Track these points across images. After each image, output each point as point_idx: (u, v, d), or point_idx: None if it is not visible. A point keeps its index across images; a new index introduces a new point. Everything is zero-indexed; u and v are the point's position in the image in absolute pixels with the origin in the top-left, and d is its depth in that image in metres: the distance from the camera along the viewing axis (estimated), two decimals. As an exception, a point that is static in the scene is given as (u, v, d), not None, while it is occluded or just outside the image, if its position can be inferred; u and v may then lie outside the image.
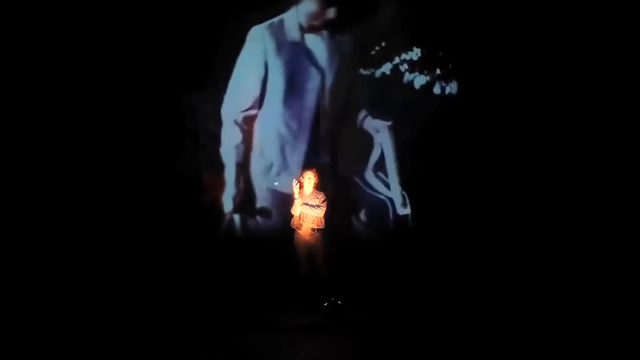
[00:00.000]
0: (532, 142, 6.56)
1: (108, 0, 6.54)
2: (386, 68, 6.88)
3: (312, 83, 6.84)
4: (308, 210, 5.77)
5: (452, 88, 6.85)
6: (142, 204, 6.53)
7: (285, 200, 6.21)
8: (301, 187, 5.78)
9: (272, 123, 6.90)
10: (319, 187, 5.86)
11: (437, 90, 6.86)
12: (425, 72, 6.85)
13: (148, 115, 6.63)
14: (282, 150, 6.88)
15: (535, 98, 6.53)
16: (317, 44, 6.85)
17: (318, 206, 5.77)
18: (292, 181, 5.80)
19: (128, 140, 6.60)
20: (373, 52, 6.88)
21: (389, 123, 6.88)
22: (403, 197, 6.87)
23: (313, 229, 5.80)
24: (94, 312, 5.48)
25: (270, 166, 6.89)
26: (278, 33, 6.84)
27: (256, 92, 6.86)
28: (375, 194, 6.91)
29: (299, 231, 5.82)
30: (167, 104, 6.71)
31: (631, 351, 4.65)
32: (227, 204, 6.84)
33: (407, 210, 6.85)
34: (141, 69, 6.56)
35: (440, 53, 6.83)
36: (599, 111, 6.40)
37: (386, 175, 6.94)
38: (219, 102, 6.89)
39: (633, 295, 5.59)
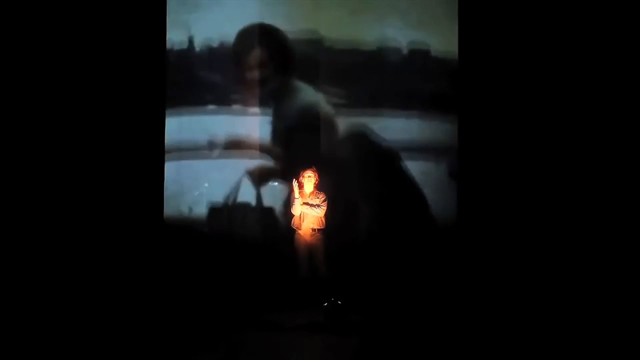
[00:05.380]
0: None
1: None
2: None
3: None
4: (308, 210, 5.75)
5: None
6: (140, 202, 6.53)
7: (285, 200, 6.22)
8: (301, 186, 5.77)
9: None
10: (319, 186, 5.85)
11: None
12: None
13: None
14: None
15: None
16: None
17: (318, 206, 5.75)
18: (292, 180, 5.80)
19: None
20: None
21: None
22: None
23: (313, 229, 5.79)
24: (93, 311, 5.48)
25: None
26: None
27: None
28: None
29: (299, 231, 5.81)
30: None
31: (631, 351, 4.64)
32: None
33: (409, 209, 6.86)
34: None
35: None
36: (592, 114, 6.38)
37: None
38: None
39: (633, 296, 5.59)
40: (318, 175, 5.83)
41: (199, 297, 5.94)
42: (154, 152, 6.73)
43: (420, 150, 6.77)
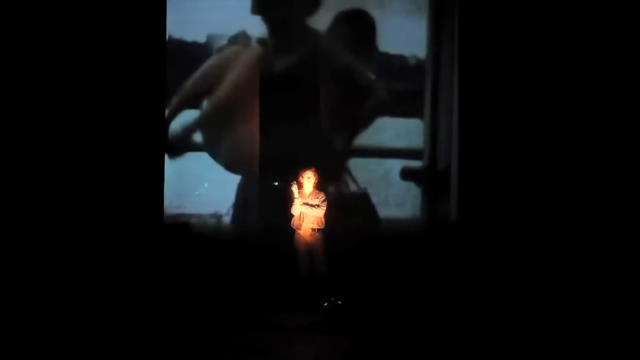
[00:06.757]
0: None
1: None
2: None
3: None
4: (308, 210, 5.75)
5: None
6: (141, 203, 6.54)
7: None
8: (301, 186, 5.77)
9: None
10: (318, 186, 5.85)
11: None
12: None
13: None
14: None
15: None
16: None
17: (318, 206, 5.75)
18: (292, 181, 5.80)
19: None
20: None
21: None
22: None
23: (313, 229, 5.78)
24: (90, 312, 5.49)
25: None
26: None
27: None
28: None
29: (299, 231, 5.81)
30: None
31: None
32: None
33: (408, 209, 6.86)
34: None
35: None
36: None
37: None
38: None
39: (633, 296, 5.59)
40: (317, 175, 5.83)
41: (198, 297, 5.95)
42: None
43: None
